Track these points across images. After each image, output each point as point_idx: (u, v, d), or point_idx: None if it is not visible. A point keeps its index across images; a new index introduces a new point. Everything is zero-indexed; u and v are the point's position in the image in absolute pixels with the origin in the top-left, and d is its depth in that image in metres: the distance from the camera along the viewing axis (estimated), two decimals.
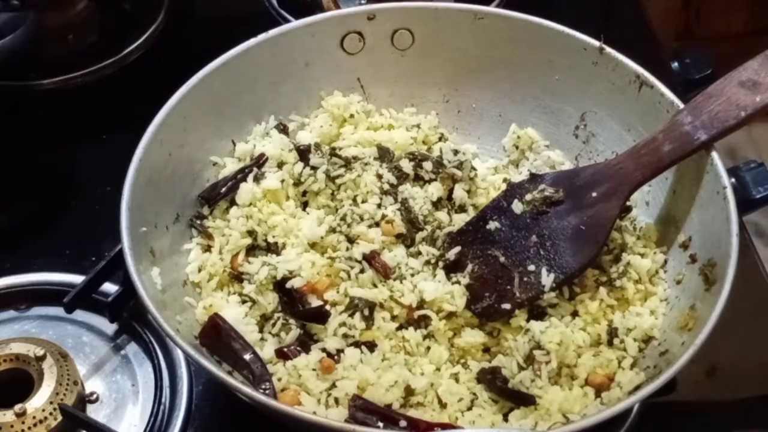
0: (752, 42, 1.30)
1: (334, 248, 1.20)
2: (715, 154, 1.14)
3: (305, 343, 1.14)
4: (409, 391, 1.08)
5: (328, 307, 1.15)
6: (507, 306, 1.15)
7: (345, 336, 1.12)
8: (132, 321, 1.22)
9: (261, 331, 1.16)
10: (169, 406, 1.16)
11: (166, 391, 1.17)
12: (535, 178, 1.22)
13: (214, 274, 1.19)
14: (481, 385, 1.12)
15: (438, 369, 1.13)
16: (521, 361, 1.12)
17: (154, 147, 1.17)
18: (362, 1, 1.54)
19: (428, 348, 1.15)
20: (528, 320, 1.15)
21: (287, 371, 1.10)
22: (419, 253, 1.20)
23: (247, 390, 0.99)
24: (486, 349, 1.17)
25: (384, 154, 1.28)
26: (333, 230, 1.20)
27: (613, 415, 0.97)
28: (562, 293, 1.16)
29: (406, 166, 1.25)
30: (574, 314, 1.16)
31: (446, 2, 1.34)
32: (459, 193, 1.26)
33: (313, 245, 1.20)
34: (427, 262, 1.19)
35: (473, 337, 1.15)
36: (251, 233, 1.21)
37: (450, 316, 1.16)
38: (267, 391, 1.06)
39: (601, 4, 1.81)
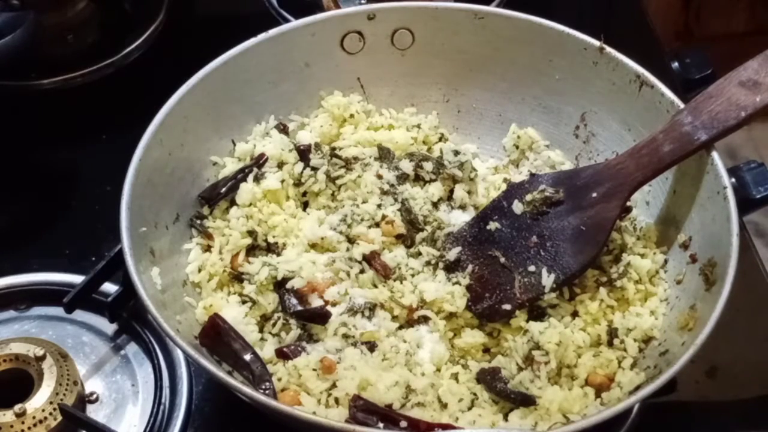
0: (752, 42, 1.30)
1: (334, 249, 1.20)
2: (715, 154, 1.14)
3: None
4: (409, 391, 1.08)
5: (328, 307, 1.15)
6: (507, 306, 1.15)
7: (345, 336, 1.12)
8: (132, 321, 1.22)
9: (261, 331, 1.16)
10: (169, 406, 1.16)
11: (166, 391, 1.17)
12: (535, 178, 1.22)
13: (214, 274, 1.19)
14: (481, 385, 1.12)
15: (438, 369, 1.13)
16: (520, 362, 1.12)
17: (154, 147, 1.17)
18: (362, 1, 1.54)
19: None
20: (528, 321, 1.15)
21: (287, 371, 1.10)
22: (419, 253, 1.20)
23: (247, 390, 0.98)
24: (486, 350, 1.17)
25: (384, 155, 1.28)
26: (333, 230, 1.20)
27: (613, 415, 0.97)
28: (563, 294, 1.16)
29: (407, 166, 1.25)
30: (575, 314, 1.16)
31: (446, 2, 1.34)
32: (459, 193, 1.26)
33: (313, 245, 1.21)
34: (428, 263, 1.19)
35: (473, 337, 1.15)
36: (251, 233, 1.21)
37: (450, 316, 1.16)
38: (267, 391, 1.06)
39: (601, 4, 1.81)
